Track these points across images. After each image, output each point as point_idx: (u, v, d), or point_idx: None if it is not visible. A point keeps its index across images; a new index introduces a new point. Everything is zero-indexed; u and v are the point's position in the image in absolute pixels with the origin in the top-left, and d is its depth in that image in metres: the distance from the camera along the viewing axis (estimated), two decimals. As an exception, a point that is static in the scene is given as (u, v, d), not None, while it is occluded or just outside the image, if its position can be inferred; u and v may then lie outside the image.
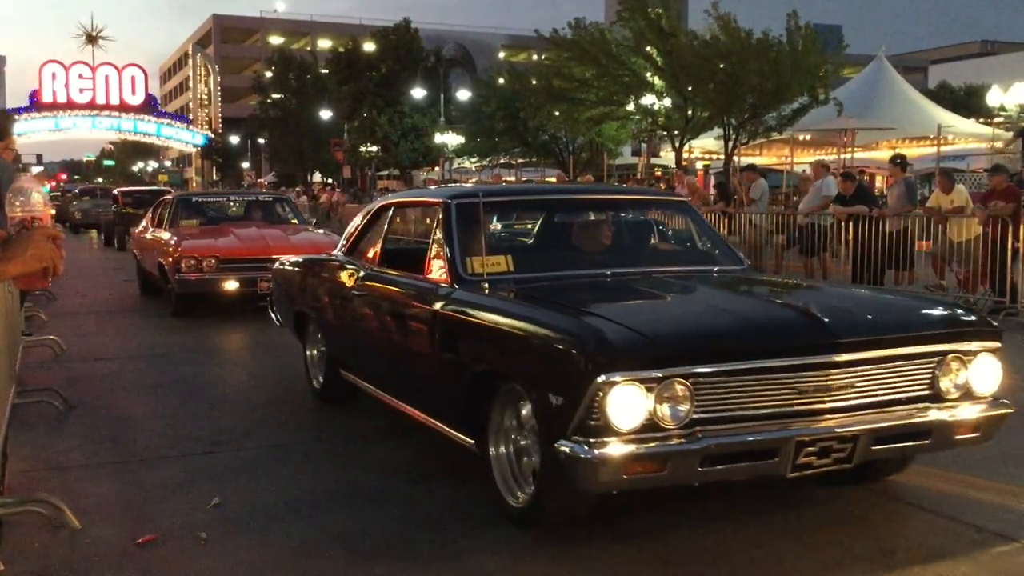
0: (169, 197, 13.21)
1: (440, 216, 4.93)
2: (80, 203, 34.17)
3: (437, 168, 42.94)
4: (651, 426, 3.47)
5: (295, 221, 12.67)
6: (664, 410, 3.49)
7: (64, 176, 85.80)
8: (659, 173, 27.68)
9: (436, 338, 4.55)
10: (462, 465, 4.80)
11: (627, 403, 3.43)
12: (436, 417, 4.74)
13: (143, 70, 56.61)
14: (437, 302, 4.59)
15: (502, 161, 38.78)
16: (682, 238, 5.93)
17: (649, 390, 3.45)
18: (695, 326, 3.92)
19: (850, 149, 23.07)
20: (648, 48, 25.08)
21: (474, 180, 32.43)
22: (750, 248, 13.14)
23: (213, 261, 10.29)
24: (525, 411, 3.97)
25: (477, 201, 4.97)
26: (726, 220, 14.33)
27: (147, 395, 7.02)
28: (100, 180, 64.13)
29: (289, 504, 4.47)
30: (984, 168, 19.95)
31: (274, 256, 9.58)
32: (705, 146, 28.51)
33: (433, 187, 27.92)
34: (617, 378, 3.40)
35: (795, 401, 3.67)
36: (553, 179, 27.18)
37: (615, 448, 3.43)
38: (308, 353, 6.78)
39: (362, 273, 5.64)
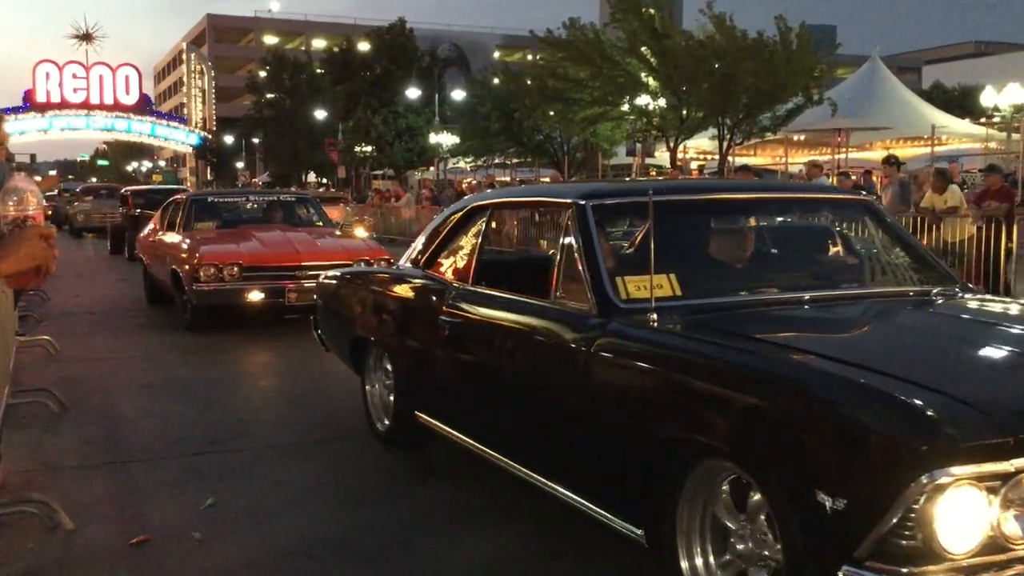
0: (181, 197, 11.87)
1: (570, 222, 3.78)
2: (82, 204, 30.37)
3: (432, 168, 42.91)
4: (993, 547, 2.40)
5: (320, 223, 11.35)
6: (1014, 523, 2.42)
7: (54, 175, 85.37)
8: (654, 173, 27.70)
9: (583, 388, 3.44)
10: (462, 465, 4.80)
11: (964, 513, 2.34)
12: (580, 493, 3.53)
13: (137, 70, 56.58)
14: (581, 338, 3.47)
15: (497, 161, 38.79)
16: (874, 248, 4.48)
17: (992, 492, 2.37)
18: None
19: (844, 149, 23.11)
20: (642, 48, 25.14)
21: (469, 180, 32.36)
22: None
23: (235, 269, 9.14)
24: (754, 501, 2.88)
25: (624, 203, 4.00)
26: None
27: (141, 395, 7.00)
28: (94, 180, 63.99)
29: (285, 504, 4.46)
30: (979, 168, 19.99)
31: (303, 263, 9.18)
32: (700, 146, 28.58)
33: (547, 182, 27.48)
34: (948, 476, 2.31)
35: None
36: (547, 179, 27.19)
37: None
38: (369, 388, 5.58)
39: (453, 293, 4.51)
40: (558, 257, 3.83)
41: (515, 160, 38.16)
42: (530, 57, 43.37)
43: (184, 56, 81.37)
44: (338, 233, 11.22)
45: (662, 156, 28.61)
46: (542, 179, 29.95)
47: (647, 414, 3.20)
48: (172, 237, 10.57)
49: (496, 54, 69.38)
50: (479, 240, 4.66)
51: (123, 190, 23.93)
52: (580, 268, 3.63)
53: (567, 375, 3.54)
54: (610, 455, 3.32)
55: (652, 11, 24.83)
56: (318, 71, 53.17)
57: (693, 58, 23.96)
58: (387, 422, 5.37)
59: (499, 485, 4.37)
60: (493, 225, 4.99)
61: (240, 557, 3.86)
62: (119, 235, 20.77)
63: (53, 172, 55.19)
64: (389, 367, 5.28)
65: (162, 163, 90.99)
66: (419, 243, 5.33)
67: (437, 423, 4.75)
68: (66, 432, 5.84)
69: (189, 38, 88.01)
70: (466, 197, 6.65)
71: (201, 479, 4.86)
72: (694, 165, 28.47)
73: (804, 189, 6.40)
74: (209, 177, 68.83)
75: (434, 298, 4.62)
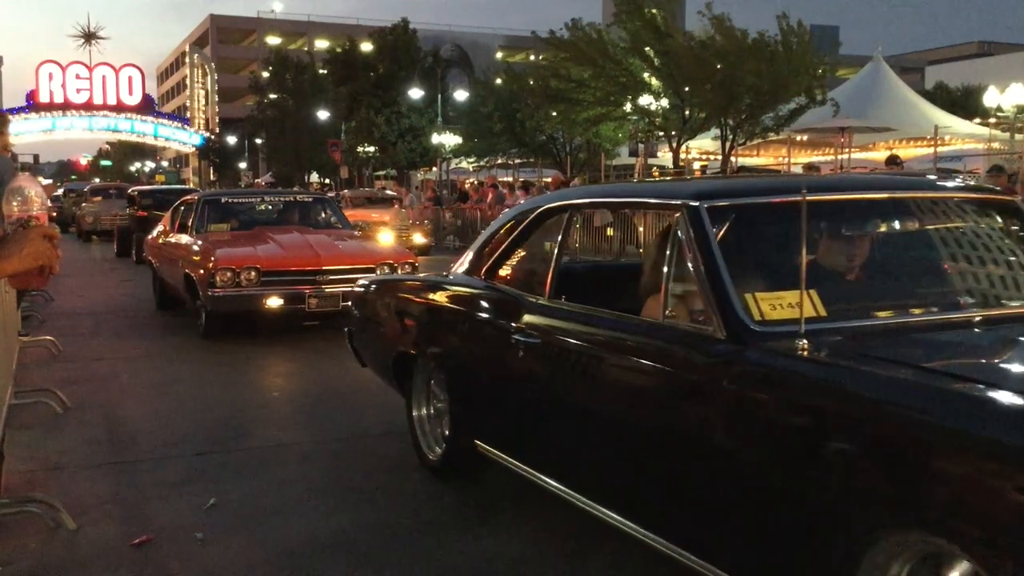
0: (192, 197, 11.36)
1: (682, 227, 3.19)
2: (90, 205, 27.93)
3: (435, 169, 42.91)
4: None
5: (338, 225, 10.89)
6: None
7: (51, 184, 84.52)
8: (657, 173, 27.69)
9: (711, 428, 2.86)
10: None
11: None
12: (715, 560, 2.89)
13: (140, 70, 56.64)
14: (706, 367, 2.93)
15: (499, 162, 38.79)
16: (1014, 253, 3.70)
17: None
18: None
19: (847, 150, 23.08)
20: (645, 49, 25.16)
21: (471, 181, 32.35)
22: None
23: (253, 273, 8.70)
24: None
25: (747, 204, 3.39)
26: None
27: (144, 395, 7.00)
28: (97, 180, 64.05)
29: (287, 505, 4.46)
30: (982, 168, 19.94)
31: (324, 267, 8.86)
32: (702, 146, 28.54)
33: (548, 182, 26.90)
34: None
35: None
36: (549, 180, 27.18)
37: None
38: (417, 413, 4.98)
39: (529, 308, 3.93)
40: (665, 269, 3.24)
41: (518, 161, 38.15)
42: (533, 57, 43.42)
43: (187, 56, 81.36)
44: (357, 234, 10.88)
45: (665, 156, 28.60)
46: (545, 179, 29.91)
47: (807, 471, 2.54)
48: (184, 239, 10.18)
49: (499, 54, 69.41)
50: (557, 247, 4.02)
51: (130, 190, 23.02)
52: (697, 283, 3.07)
53: (687, 411, 2.99)
54: (744, 513, 2.75)
55: (655, 11, 24.83)
56: (321, 71, 53.19)
57: (695, 58, 23.97)
58: (438, 450, 4.78)
59: (500, 485, 4.38)
60: (575, 230, 4.56)
61: (242, 557, 3.86)
62: (126, 237, 20.18)
63: (48, 181, 54.39)
64: (440, 389, 4.75)
65: (165, 164, 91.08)
66: (476, 249, 4.71)
67: (503, 456, 4.16)
68: (69, 432, 5.85)
69: (192, 38, 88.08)
70: (534, 197, 6.08)
71: (203, 479, 4.87)
72: (697, 166, 28.46)
73: (938, 188, 4.21)
74: (212, 178, 68.87)
75: (504, 313, 4.06)
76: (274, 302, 8.72)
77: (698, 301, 3.09)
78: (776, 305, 2.95)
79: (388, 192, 27.98)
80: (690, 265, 3.12)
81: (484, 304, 4.31)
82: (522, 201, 20.54)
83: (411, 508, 4.39)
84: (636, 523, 3.25)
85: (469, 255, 4.75)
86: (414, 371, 4.94)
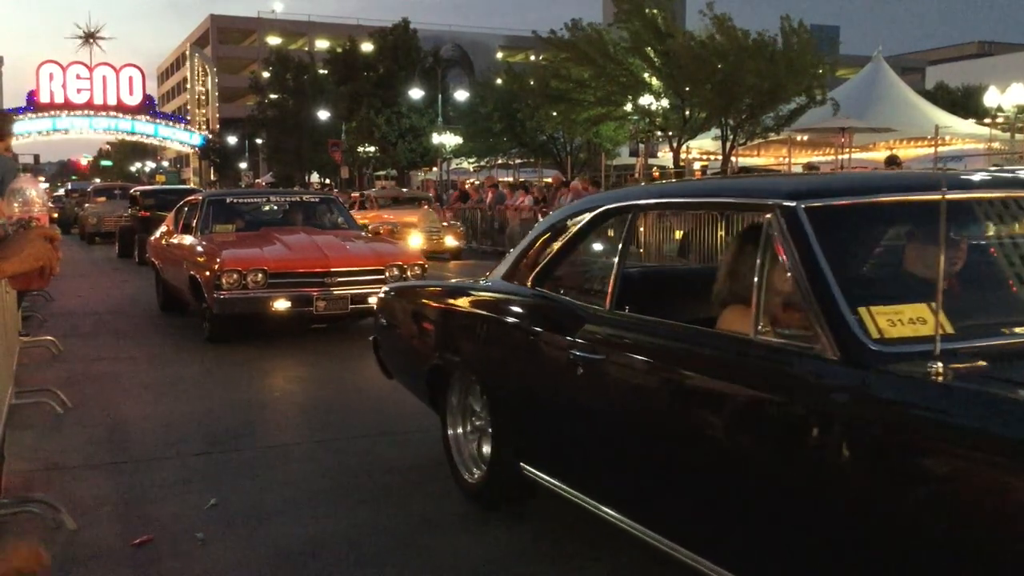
0: (196, 198, 11.11)
1: (778, 231, 2.80)
2: (94, 206, 26.28)
3: (435, 169, 42.93)
4: None
5: (345, 225, 10.65)
6: None
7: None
8: (657, 174, 27.72)
9: (822, 464, 2.44)
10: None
11: None
12: None
13: (141, 70, 56.72)
14: (814, 392, 2.54)
15: (500, 162, 38.80)
16: None
17: None
18: None
19: (847, 150, 23.08)
20: (646, 49, 25.18)
21: (471, 181, 32.36)
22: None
23: (260, 275, 8.51)
24: None
25: (856, 204, 2.98)
26: (723, 223, 14.29)
27: (144, 395, 7.00)
28: (97, 181, 64.03)
29: (287, 504, 4.46)
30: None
31: (332, 269, 8.69)
32: (703, 146, 28.55)
33: (549, 182, 26.15)
34: None
35: None
36: (550, 180, 27.19)
37: None
38: (452, 431, 4.58)
39: (590, 320, 3.53)
40: (755, 277, 2.84)
41: (518, 161, 38.18)
42: (533, 58, 43.37)
43: (187, 57, 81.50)
44: (363, 234, 10.70)
45: (665, 156, 28.62)
46: (545, 180, 29.92)
47: (968, 535, 2.09)
48: (189, 240, 9.98)
49: (499, 55, 69.40)
50: (620, 251, 3.61)
51: (132, 189, 22.38)
52: (799, 294, 2.70)
53: (788, 444, 2.58)
54: (876, 561, 2.30)
55: (655, 11, 24.86)
56: (321, 72, 53.22)
57: (695, 59, 23.99)
58: (477, 473, 4.40)
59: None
60: (638, 232, 4.21)
61: (243, 557, 3.86)
62: (128, 238, 19.69)
63: (46, 185, 53.68)
64: (480, 406, 4.37)
65: (165, 164, 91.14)
66: (519, 253, 4.30)
67: (554, 482, 3.74)
68: (69, 432, 5.85)
69: (192, 39, 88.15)
70: (590, 196, 5.63)
71: (204, 479, 4.87)
72: (697, 166, 28.47)
73: None
74: (212, 178, 68.94)
75: (560, 325, 3.66)
76: (281, 305, 8.55)
77: (793, 315, 2.75)
78: (895, 320, 2.53)
79: (417, 192, 26.38)
80: (789, 274, 2.73)
81: (535, 315, 3.91)
82: (523, 201, 20.39)
83: (411, 508, 4.39)
84: (726, 567, 2.81)
85: (511, 259, 4.38)
86: (450, 386, 4.56)
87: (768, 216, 2.86)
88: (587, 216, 3.91)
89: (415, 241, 16.32)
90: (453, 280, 5.24)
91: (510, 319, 4.08)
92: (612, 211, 3.86)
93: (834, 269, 2.66)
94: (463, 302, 4.55)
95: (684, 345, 3.12)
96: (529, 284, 4.05)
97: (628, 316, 3.43)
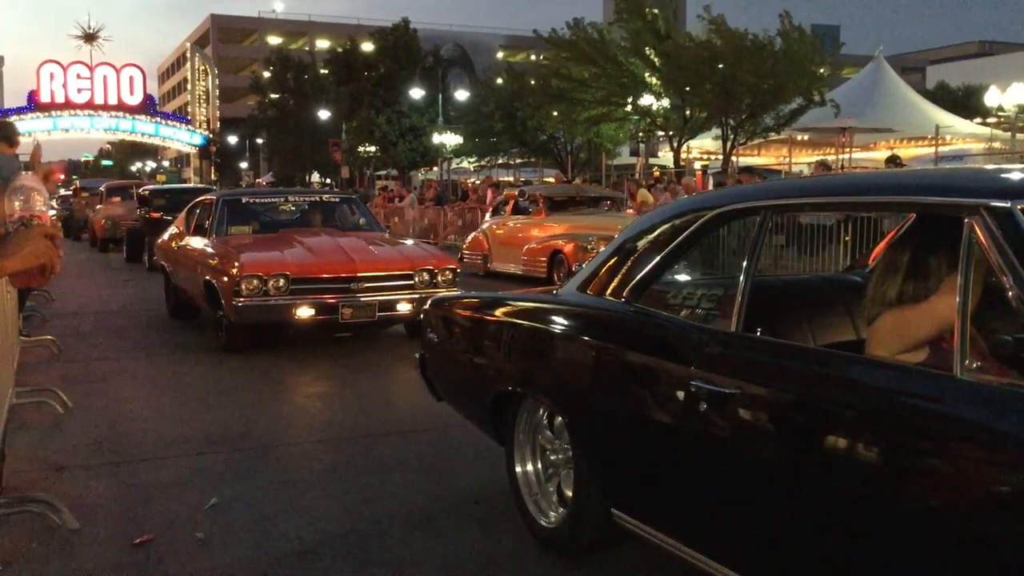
0: (210, 198, 10.40)
1: (985, 237, 2.26)
2: (108, 207, 22.80)
3: (436, 168, 42.96)
4: None
5: (367, 227, 10.05)
6: None
7: (61, 176, 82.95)
8: (657, 173, 27.74)
9: None
10: (462, 463, 4.79)
11: None
12: None
13: (141, 70, 56.66)
14: None
15: (500, 161, 38.83)
16: None
17: None
18: None
19: (848, 149, 23.09)
20: (646, 49, 25.22)
21: (472, 180, 32.36)
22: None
23: (282, 281, 7.94)
24: None
25: None
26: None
27: (145, 395, 7.00)
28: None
29: (288, 504, 4.46)
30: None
31: (360, 274, 8.13)
32: (703, 146, 28.59)
33: (550, 182, 24.92)
34: None
35: None
36: (551, 180, 27.19)
37: None
38: (522, 468, 4.01)
39: (714, 344, 2.93)
40: (957, 298, 2.27)
41: (518, 160, 38.20)
42: (534, 57, 43.45)
43: (188, 56, 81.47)
44: (387, 236, 10.18)
45: (665, 156, 28.64)
46: (545, 179, 29.92)
47: None
48: (203, 243, 9.34)
49: (500, 54, 69.46)
50: (747, 262, 2.99)
51: (140, 189, 20.72)
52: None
53: (1012, 511, 2.02)
54: None
55: (655, 12, 24.90)
56: (322, 71, 53.25)
57: (695, 59, 24.01)
58: (553, 516, 3.84)
59: (501, 486, 4.37)
60: (768, 237, 3.49)
61: (243, 557, 3.85)
62: (136, 240, 18.36)
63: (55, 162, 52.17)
64: (559, 439, 3.82)
65: (166, 163, 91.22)
66: (605, 261, 3.68)
67: (660, 535, 3.14)
68: (70, 432, 5.84)
69: (193, 38, 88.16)
70: (696, 195, 4.85)
71: (204, 479, 4.86)
72: (697, 166, 28.49)
73: None
74: (213, 177, 68.99)
75: (673, 349, 3.07)
76: (304, 312, 7.95)
77: (1002, 344, 2.28)
78: None
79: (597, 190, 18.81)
80: (1010, 294, 2.17)
81: (638, 335, 3.29)
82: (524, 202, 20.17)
83: (412, 508, 4.38)
84: None
85: (591, 268, 3.75)
86: (520, 416, 3.97)
87: (969, 220, 2.30)
88: (699, 219, 3.29)
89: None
90: (519, 292, 4.70)
91: (602, 341, 3.43)
92: (730, 214, 3.29)
93: None
94: (538, 318, 3.87)
95: (854, 380, 2.53)
96: (624, 298, 3.41)
97: (767, 340, 2.89)
